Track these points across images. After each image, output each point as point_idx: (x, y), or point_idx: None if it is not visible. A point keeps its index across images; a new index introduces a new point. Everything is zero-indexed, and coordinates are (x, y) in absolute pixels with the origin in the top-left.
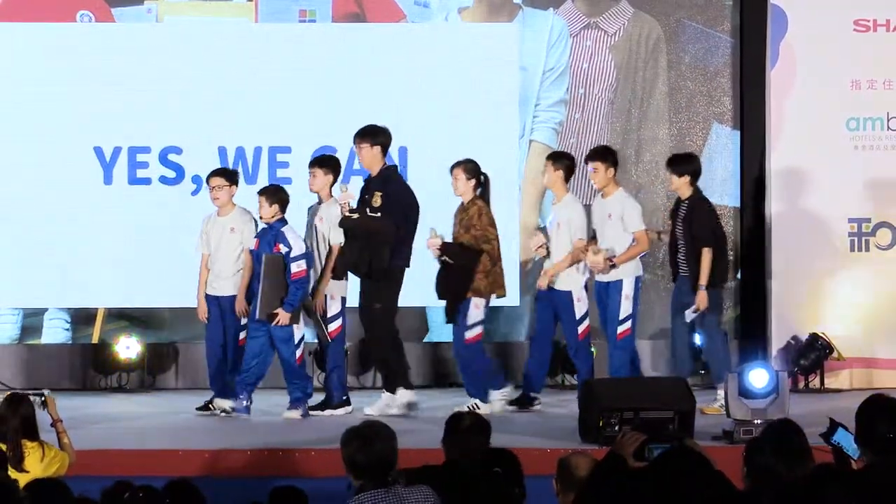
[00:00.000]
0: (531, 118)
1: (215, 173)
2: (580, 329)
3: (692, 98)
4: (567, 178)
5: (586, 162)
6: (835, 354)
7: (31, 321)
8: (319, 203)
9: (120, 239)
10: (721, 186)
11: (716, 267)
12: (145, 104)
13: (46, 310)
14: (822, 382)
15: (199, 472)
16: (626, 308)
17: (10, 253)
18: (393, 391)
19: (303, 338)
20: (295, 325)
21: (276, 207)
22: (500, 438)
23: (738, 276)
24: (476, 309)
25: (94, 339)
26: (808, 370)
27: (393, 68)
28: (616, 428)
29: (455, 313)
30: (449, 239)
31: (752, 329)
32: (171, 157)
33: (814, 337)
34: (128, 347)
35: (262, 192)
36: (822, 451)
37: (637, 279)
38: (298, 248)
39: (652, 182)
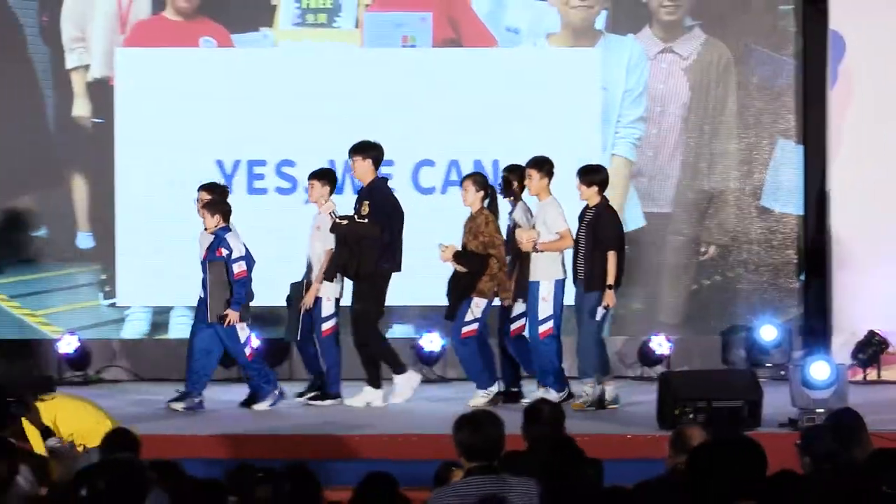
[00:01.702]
0: (612, 134)
1: (204, 187)
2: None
3: (759, 115)
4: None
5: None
6: (890, 349)
7: (160, 318)
8: (319, 213)
9: None
10: (786, 196)
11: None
12: (262, 121)
13: (173, 308)
14: (878, 375)
15: (313, 456)
16: (544, 309)
17: (143, 257)
18: (377, 386)
19: (249, 335)
20: (238, 325)
21: (218, 217)
22: (582, 426)
23: (802, 277)
24: (476, 308)
25: None
26: (866, 364)
27: (486, 89)
28: (691, 416)
29: (455, 311)
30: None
31: (814, 326)
32: (285, 169)
33: (871, 333)
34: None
35: (205, 206)
36: (880, 437)
37: (557, 282)
38: (238, 250)
39: (723, 193)
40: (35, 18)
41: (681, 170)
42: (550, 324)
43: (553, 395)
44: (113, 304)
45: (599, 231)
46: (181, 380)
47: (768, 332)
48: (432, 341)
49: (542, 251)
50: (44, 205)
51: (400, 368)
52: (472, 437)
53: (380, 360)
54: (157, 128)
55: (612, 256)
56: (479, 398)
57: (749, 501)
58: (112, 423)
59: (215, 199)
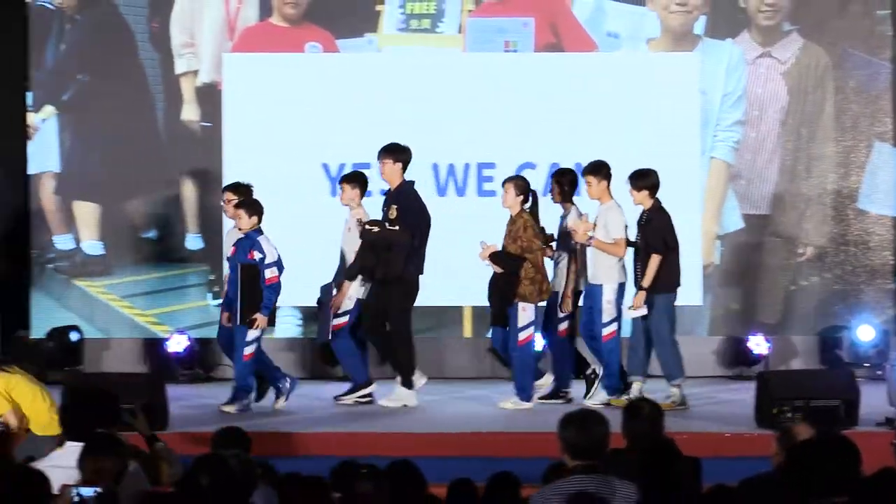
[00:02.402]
0: (711, 137)
1: (229, 188)
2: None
3: (856, 119)
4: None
5: (583, 176)
6: None
7: None
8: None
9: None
10: (883, 198)
11: (663, 273)
12: (366, 125)
13: (279, 308)
14: None
15: (419, 453)
16: (609, 312)
17: None
18: (409, 386)
19: (256, 338)
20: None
21: (255, 219)
22: (681, 424)
23: None
24: (524, 312)
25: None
26: None
27: (586, 93)
28: (788, 415)
29: (503, 317)
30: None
31: None
32: None
33: None
34: None
35: (240, 205)
36: None
37: (620, 285)
38: (271, 255)
39: (820, 195)
40: (145, 24)
41: (779, 173)
42: (614, 326)
43: (602, 396)
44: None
45: (648, 234)
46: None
47: (866, 333)
48: None
49: (595, 247)
50: (154, 207)
51: (408, 383)
52: (578, 435)
53: (399, 364)
54: (263, 131)
55: (654, 260)
56: (508, 404)
57: (843, 497)
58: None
59: (251, 199)
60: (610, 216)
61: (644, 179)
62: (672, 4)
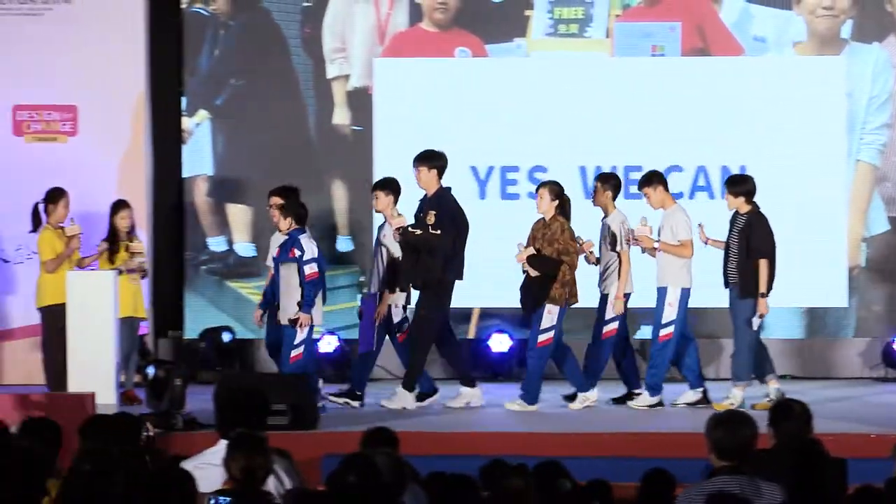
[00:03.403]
0: (857, 140)
1: (274, 192)
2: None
3: None
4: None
5: (640, 190)
6: None
7: None
8: (384, 222)
9: (492, 247)
10: None
11: (755, 278)
12: (514, 128)
13: None
14: None
15: (562, 453)
16: (669, 314)
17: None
18: (471, 385)
19: (305, 339)
20: (299, 328)
21: (290, 220)
22: (827, 425)
23: None
24: (549, 314)
25: (470, 335)
26: None
27: (733, 96)
28: None
29: (531, 318)
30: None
31: None
32: (538, 174)
33: None
34: (500, 342)
35: (279, 209)
36: None
37: (684, 290)
38: (311, 252)
39: None
40: (298, 31)
41: None
42: (671, 328)
43: (647, 399)
44: None
45: (752, 239)
46: (437, 378)
47: None
48: None
49: (662, 250)
50: None
51: (410, 387)
52: (726, 436)
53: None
54: (413, 135)
55: (763, 264)
56: (514, 405)
57: None
58: None
59: (288, 202)
60: (676, 218)
61: (741, 185)
62: (819, 9)
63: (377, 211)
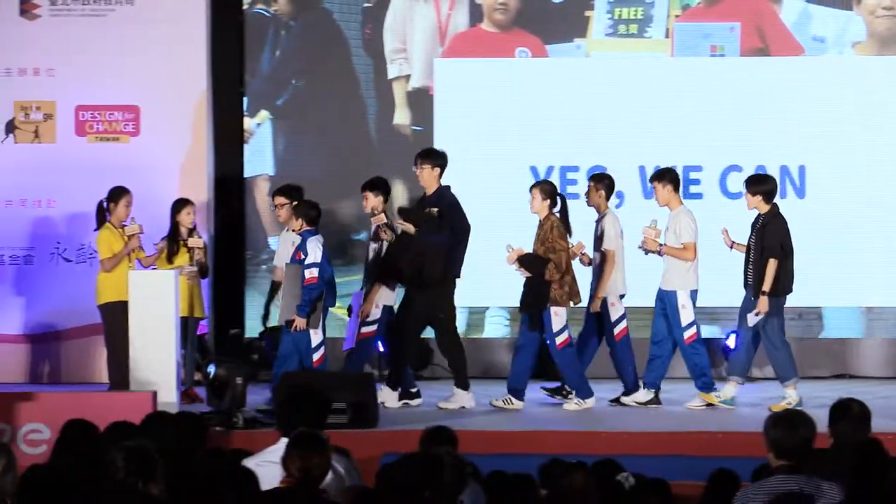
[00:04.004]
0: None
1: (278, 191)
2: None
3: None
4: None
5: (650, 182)
6: None
7: (475, 318)
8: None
9: None
10: None
11: (779, 277)
12: (574, 128)
13: (488, 308)
14: None
15: (621, 452)
16: (686, 316)
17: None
18: (465, 387)
19: (322, 342)
20: (312, 331)
21: (301, 221)
22: (887, 425)
23: None
24: (556, 316)
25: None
26: None
27: (792, 96)
28: None
29: (538, 323)
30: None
31: None
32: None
33: None
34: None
35: (293, 209)
36: None
37: (692, 292)
38: (314, 256)
39: None
40: (359, 31)
41: None
42: (694, 329)
43: (699, 402)
44: None
45: (765, 238)
46: (488, 377)
47: None
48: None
49: (665, 255)
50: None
51: (395, 385)
52: (786, 436)
53: (456, 366)
54: (473, 134)
55: (772, 264)
56: (572, 405)
57: None
58: None
59: (302, 202)
60: (679, 221)
61: (759, 185)
62: (878, 9)
63: (366, 211)
